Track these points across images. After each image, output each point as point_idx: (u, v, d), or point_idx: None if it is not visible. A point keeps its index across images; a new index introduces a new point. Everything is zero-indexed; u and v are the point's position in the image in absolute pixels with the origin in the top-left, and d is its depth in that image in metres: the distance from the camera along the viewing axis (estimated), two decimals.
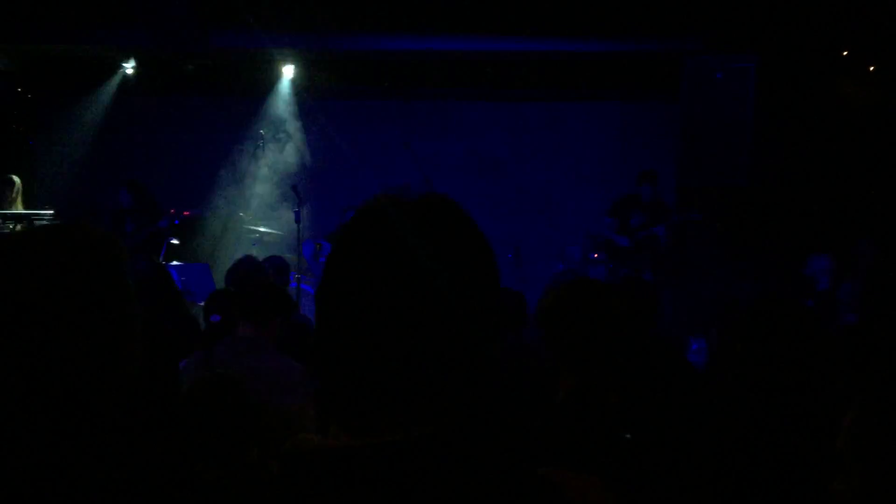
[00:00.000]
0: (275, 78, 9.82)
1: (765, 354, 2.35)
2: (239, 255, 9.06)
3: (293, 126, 9.91)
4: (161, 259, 8.19)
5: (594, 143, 9.92)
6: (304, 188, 8.80)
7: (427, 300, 1.04)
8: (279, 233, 9.23)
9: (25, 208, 8.56)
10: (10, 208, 8.39)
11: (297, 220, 8.27)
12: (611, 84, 9.64)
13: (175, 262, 8.00)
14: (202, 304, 7.75)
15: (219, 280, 7.98)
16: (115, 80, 9.84)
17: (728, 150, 7.37)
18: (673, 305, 7.81)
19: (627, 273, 7.60)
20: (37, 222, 8.23)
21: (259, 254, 7.66)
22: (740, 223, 8.36)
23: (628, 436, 2.09)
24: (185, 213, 8.95)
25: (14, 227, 8.04)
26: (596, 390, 2.13)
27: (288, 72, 9.70)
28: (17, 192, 8.56)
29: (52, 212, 8.38)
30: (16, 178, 8.57)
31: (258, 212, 9.58)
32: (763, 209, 8.16)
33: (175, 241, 8.60)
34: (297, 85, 9.87)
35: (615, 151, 9.77)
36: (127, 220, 8.74)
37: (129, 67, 9.58)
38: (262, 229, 9.17)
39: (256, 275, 4.63)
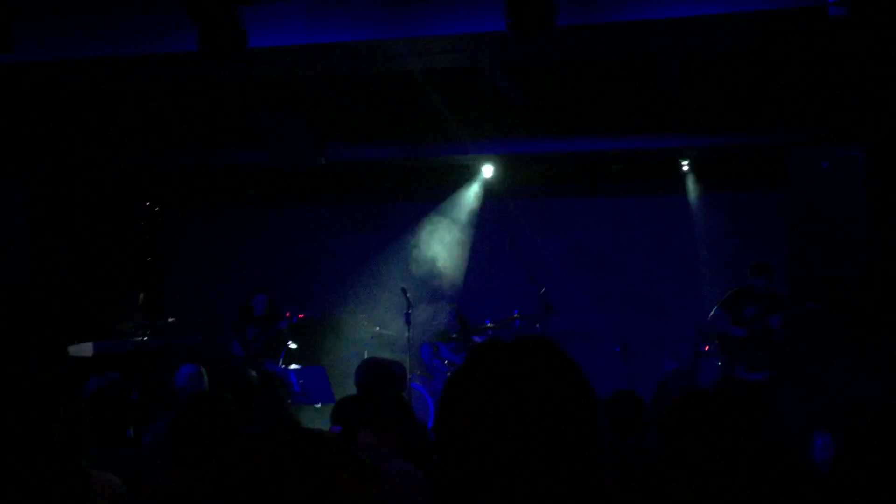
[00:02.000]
0: (383, 183, 10.25)
1: (892, 459, 2.32)
2: (352, 356, 9.35)
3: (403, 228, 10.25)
4: (280, 363, 8.51)
5: (700, 235, 9.86)
6: (413, 290, 9.07)
7: (521, 436, 1.24)
8: (391, 333, 9.48)
9: (152, 318, 9.08)
10: (136, 318, 8.90)
11: (408, 322, 8.50)
12: (716, 175, 9.65)
13: (294, 366, 8.29)
14: (318, 405, 8.00)
15: (334, 381, 8.22)
16: (238, 194, 10.48)
17: (842, 239, 7.22)
18: (793, 400, 7.57)
19: (734, 376, 7.44)
20: (165, 328, 8.74)
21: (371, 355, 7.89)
22: (858, 315, 8.10)
23: None
24: (301, 315, 9.31)
25: (144, 335, 8.55)
26: (721, 500, 2.16)
27: (395, 177, 10.11)
28: (143, 302, 9.08)
29: (174, 320, 8.88)
30: (141, 291, 9.09)
31: (369, 313, 9.87)
32: (881, 300, 7.90)
33: (293, 345, 8.92)
34: (403, 189, 10.27)
35: (723, 243, 9.69)
36: (249, 328, 9.09)
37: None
38: (376, 329, 9.44)
39: (383, 378, 4.79)
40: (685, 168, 9.54)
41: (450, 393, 1.32)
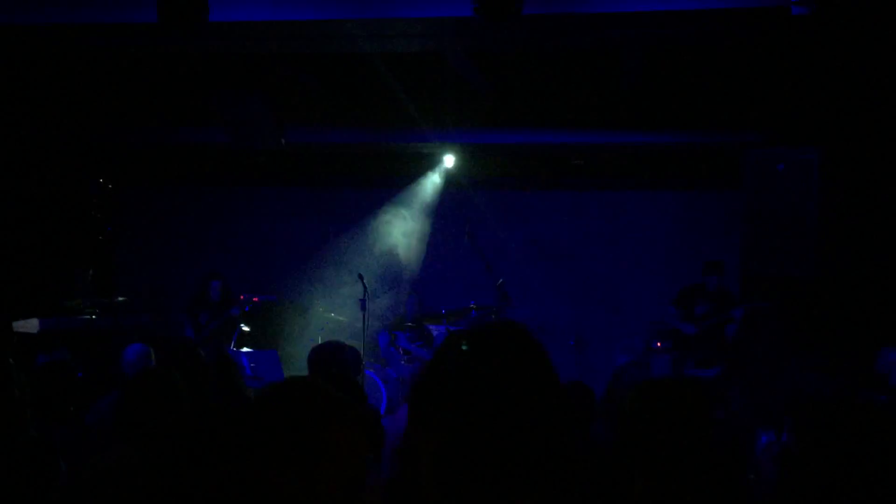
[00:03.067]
0: (340, 168, 10.18)
1: (841, 457, 2.36)
2: (306, 341, 9.28)
3: (360, 215, 10.20)
4: (232, 346, 8.42)
5: (656, 231, 9.97)
6: (370, 277, 9.03)
7: (493, 412, 1.25)
8: (344, 320, 9.42)
9: (101, 296, 8.90)
10: (84, 295, 8.71)
11: (364, 309, 8.45)
12: (672, 173, 9.75)
13: (245, 349, 8.20)
14: None
15: (286, 365, 8.15)
16: (192, 172, 10.32)
17: (793, 240, 7.34)
18: (741, 396, 7.69)
19: (697, 373, 7.55)
20: (114, 306, 8.58)
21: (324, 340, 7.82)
22: (808, 314, 8.25)
23: None
24: (255, 298, 9.22)
25: (93, 313, 8.38)
26: (672, 492, 2.17)
27: (353, 162, 10.04)
28: (92, 280, 8.90)
29: (124, 299, 8.72)
30: (90, 268, 8.90)
31: (323, 298, 9.80)
32: (831, 300, 8.06)
33: (246, 328, 8.84)
34: (362, 175, 10.22)
35: (677, 240, 9.81)
36: (202, 313, 9.00)
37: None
38: (331, 315, 9.38)
39: (336, 361, 4.76)
40: (643, 164, 9.62)
41: (426, 378, 1.33)
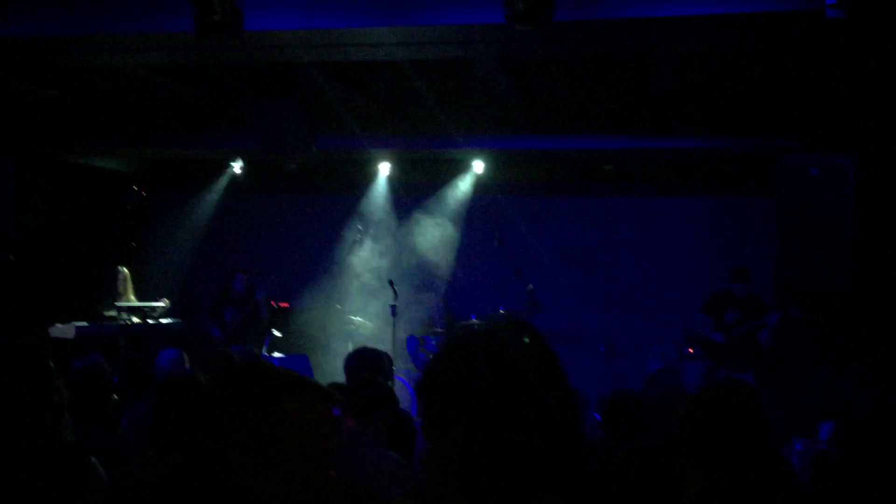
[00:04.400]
0: (371, 176, 10.21)
1: (884, 462, 2.33)
2: (336, 347, 9.32)
3: (390, 222, 10.22)
4: (265, 351, 8.48)
5: (686, 238, 9.89)
6: (400, 283, 9.06)
7: (505, 412, 1.25)
8: (373, 326, 9.45)
9: (137, 300, 9.01)
10: (120, 300, 8.83)
11: (394, 315, 8.48)
12: (703, 179, 9.67)
13: (277, 354, 8.26)
14: None
15: (316, 370, 8.19)
16: (224, 180, 10.42)
17: (828, 247, 7.24)
18: (774, 404, 7.60)
19: (728, 376, 7.47)
20: (150, 313, 8.68)
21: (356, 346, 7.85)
22: (842, 322, 8.14)
23: None
24: (285, 304, 9.28)
25: (129, 319, 8.48)
26: (723, 496, 2.17)
27: (384, 169, 10.06)
28: (127, 284, 9.01)
29: (163, 304, 8.82)
30: (124, 269, 9.01)
31: (355, 304, 9.84)
32: (865, 309, 7.94)
33: (278, 334, 8.89)
34: (392, 182, 10.24)
35: (707, 246, 9.72)
36: (227, 310, 9.03)
37: (237, 167, 10.11)
38: (358, 319, 9.41)
39: (373, 366, 4.78)
40: (675, 170, 9.54)
41: (431, 375, 1.33)
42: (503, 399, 1.25)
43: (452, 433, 1.26)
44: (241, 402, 1.56)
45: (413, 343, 9.13)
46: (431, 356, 8.21)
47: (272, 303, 9.14)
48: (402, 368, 8.75)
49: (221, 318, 9.00)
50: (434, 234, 10.08)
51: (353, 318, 9.47)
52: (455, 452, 1.26)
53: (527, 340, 1.32)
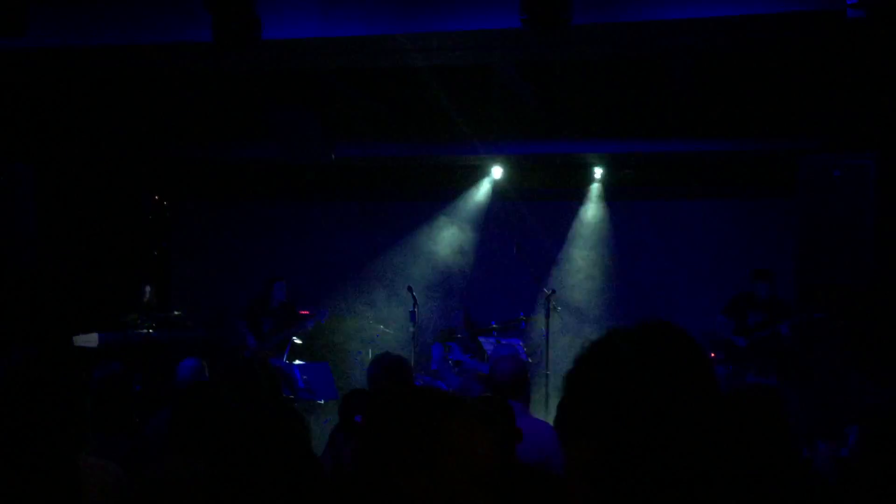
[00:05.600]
0: (393, 183, 10.23)
1: None
2: (356, 354, 9.33)
3: (410, 228, 10.23)
4: (285, 358, 8.50)
5: (707, 240, 9.83)
6: (419, 289, 9.06)
7: (656, 422, 1.20)
8: (392, 332, 9.46)
9: (157, 311, 9.06)
10: (145, 310, 8.89)
11: (413, 321, 8.48)
12: (724, 182, 9.61)
13: (298, 362, 8.27)
14: (322, 401, 7.98)
15: (338, 378, 8.20)
16: (245, 188, 10.48)
17: (851, 248, 7.16)
18: (799, 407, 7.52)
19: (753, 380, 7.41)
20: (170, 321, 8.73)
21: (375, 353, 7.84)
22: (865, 324, 8.06)
23: None
24: (304, 312, 9.29)
25: (150, 328, 8.54)
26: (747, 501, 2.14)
27: (403, 175, 10.08)
28: (150, 295, 9.05)
29: (179, 313, 8.87)
30: (148, 287, 9.04)
31: (374, 311, 9.86)
32: (889, 310, 7.85)
33: (298, 341, 8.90)
34: (412, 187, 10.25)
35: (729, 249, 9.65)
36: (264, 319, 8.98)
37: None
38: (380, 327, 9.42)
39: (396, 373, 4.78)
40: (696, 173, 9.49)
41: (576, 380, 1.29)
42: (653, 406, 1.20)
43: (597, 441, 1.22)
44: (406, 423, 1.54)
45: (439, 351, 9.11)
46: (452, 363, 8.15)
47: (309, 313, 9.07)
48: (424, 375, 8.74)
49: (259, 327, 8.95)
50: (454, 240, 10.08)
51: (375, 325, 9.48)
52: (599, 461, 1.21)
53: (677, 345, 1.27)
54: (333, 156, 7.73)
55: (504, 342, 8.32)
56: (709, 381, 1.25)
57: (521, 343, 8.24)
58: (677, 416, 1.19)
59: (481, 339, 8.88)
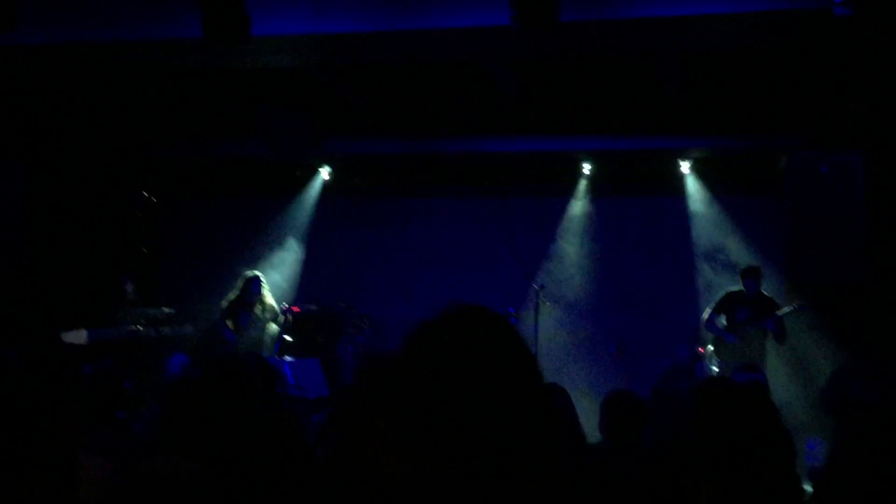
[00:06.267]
0: (379, 178, 10.21)
1: (886, 461, 2.32)
2: (348, 350, 9.33)
3: (400, 223, 10.23)
4: (275, 354, 8.50)
5: (696, 236, 9.86)
6: (409, 285, 9.07)
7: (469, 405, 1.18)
8: (382, 328, 9.46)
9: (146, 307, 9.04)
10: (130, 306, 8.87)
11: (404, 317, 8.49)
12: (714, 178, 9.64)
13: (288, 358, 8.27)
14: (313, 398, 7.98)
15: (328, 375, 8.20)
16: (232, 185, 10.46)
17: (839, 244, 7.22)
18: (786, 403, 7.57)
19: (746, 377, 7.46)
20: (161, 319, 8.73)
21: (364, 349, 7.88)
22: (854, 320, 8.12)
23: None
24: (296, 308, 9.30)
25: (138, 324, 8.53)
26: (735, 497, 2.16)
27: (393, 171, 10.07)
28: (138, 292, 9.05)
29: (170, 310, 8.86)
30: (130, 283, 9.03)
31: (364, 308, 9.86)
32: (878, 306, 7.91)
33: (288, 338, 8.91)
34: (401, 184, 10.25)
35: (719, 246, 9.68)
36: (242, 314, 9.04)
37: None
38: (369, 322, 9.43)
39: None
40: (684, 170, 9.51)
41: (397, 362, 1.28)
42: (467, 390, 1.19)
43: (410, 423, 1.20)
44: (379, 402, 1.50)
45: None
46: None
47: (283, 307, 9.16)
48: None
49: (236, 321, 9.01)
50: (442, 236, 10.10)
51: (365, 321, 9.49)
52: (415, 444, 1.19)
53: (492, 330, 1.26)
54: (324, 152, 7.74)
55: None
56: (523, 363, 1.24)
57: None
58: (486, 398, 1.18)
59: None
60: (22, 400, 2.76)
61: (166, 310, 8.82)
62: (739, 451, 2.26)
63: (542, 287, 8.63)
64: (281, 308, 9.09)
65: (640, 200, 10.11)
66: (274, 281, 9.74)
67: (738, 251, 9.36)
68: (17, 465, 2.60)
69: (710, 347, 8.55)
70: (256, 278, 9.09)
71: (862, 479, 2.67)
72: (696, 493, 2.28)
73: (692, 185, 9.66)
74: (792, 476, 2.79)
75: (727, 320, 8.44)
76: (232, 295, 9.15)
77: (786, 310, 8.13)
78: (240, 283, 9.14)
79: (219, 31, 4.55)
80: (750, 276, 8.32)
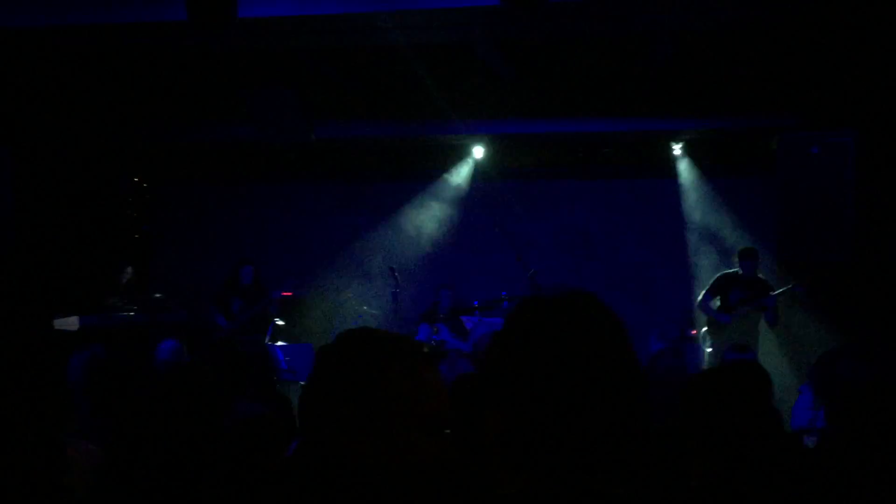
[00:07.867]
0: (372, 162, 10.18)
1: (876, 440, 2.33)
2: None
3: (391, 208, 10.21)
4: (268, 339, 8.49)
5: (688, 218, 9.86)
6: (401, 270, 9.06)
7: (571, 387, 1.21)
8: (377, 312, 9.46)
9: (138, 293, 9.02)
10: (122, 293, 8.84)
11: (395, 301, 8.49)
12: (706, 159, 9.63)
13: (280, 343, 8.27)
14: (304, 382, 7.98)
15: None
16: (226, 169, 10.41)
17: (830, 224, 7.24)
18: (778, 384, 7.60)
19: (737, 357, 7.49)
20: (150, 304, 8.70)
21: None
22: (845, 299, 8.14)
23: None
24: (288, 293, 9.28)
25: (130, 310, 8.50)
26: (730, 479, 2.16)
27: (384, 156, 10.05)
28: (131, 278, 9.02)
29: (160, 296, 8.84)
30: (129, 267, 9.01)
31: (356, 291, 9.85)
32: (866, 285, 7.94)
33: (280, 322, 8.90)
34: (393, 168, 10.22)
35: (710, 227, 9.68)
36: (234, 300, 9.05)
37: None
38: (364, 308, 9.42)
39: None
40: (677, 151, 9.49)
41: (496, 350, 1.28)
42: (567, 372, 1.21)
43: (513, 405, 1.22)
44: (347, 372, 1.48)
45: (425, 330, 9.10)
46: (437, 343, 8.13)
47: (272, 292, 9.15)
48: None
49: (228, 308, 9.00)
50: (434, 220, 10.07)
51: (358, 305, 9.49)
52: (514, 424, 1.22)
53: (594, 313, 1.29)
54: (313, 136, 7.69)
55: (486, 321, 8.34)
56: (623, 350, 1.28)
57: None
58: (588, 386, 1.21)
59: (463, 319, 8.90)
60: (3, 386, 2.75)
61: (158, 295, 8.79)
62: (730, 429, 2.26)
63: (535, 271, 8.62)
64: (272, 293, 9.08)
65: (634, 182, 10.10)
66: (266, 265, 9.71)
67: (730, 232, 9.36)
68: (8, 450, 2.59)
69: (704, 328, 8.58)
70: (248, 263, 9.07)
71: (853, 457, 2.68)
72: (689, 470, 2.29)
73: (684, 167, 9.65)
74: (780, 452, 2.80)
75: (721, 301, 8.45)
76: (224, 280, 9.13)
77: (781, 290, 8.15)
78: (231, 269, 9.13)
79: (204, 13, 4.51)
80: (748, 257, 8.33)
